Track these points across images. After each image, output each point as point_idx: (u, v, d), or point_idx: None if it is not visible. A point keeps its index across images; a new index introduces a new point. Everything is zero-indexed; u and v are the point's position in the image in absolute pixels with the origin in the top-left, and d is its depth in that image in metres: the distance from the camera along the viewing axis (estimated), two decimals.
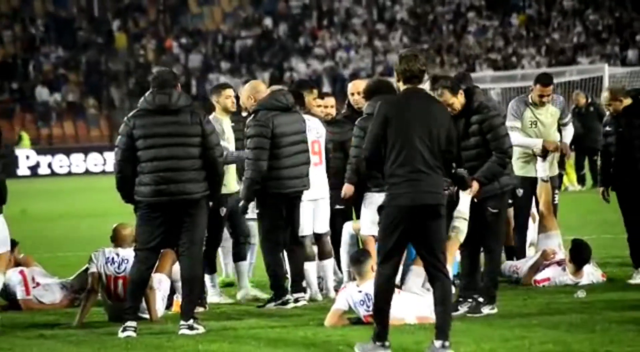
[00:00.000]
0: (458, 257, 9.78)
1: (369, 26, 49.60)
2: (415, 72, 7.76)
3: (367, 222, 10.20)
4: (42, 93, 47.36)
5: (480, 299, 9.33)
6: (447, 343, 7.57)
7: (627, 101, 10.69)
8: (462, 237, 9.52)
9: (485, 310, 9.27)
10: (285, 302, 10.16)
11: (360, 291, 8.96)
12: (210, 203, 9.12)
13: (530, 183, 11.37)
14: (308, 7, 51.27)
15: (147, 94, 9.00)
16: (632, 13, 46.34)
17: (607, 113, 11.13)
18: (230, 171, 10.64)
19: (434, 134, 7.59)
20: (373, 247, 10.10)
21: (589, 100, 23.30)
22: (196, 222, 8.85)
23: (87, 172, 41.23)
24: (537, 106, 11.37)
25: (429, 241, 7.57)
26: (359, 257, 9.18)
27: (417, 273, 9.29)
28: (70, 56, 49.68)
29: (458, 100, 9.37)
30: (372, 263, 9.04)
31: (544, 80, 11.41)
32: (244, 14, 51.25)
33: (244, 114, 11.61)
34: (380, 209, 7.90)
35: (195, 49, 49.85)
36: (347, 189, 10.14)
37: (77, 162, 42.53)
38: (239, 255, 10.92)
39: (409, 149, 7.52)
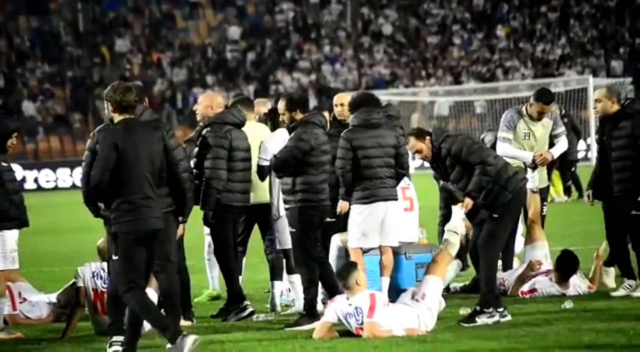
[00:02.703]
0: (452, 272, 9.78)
1: (354, 39, 49.69)
2: (131, 102, 8.41)
3: (354, 235, 10.20)
4: (28, 108, 47.28)
5: (477, 308, 9.33)
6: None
7: (616, 107, 10.53)
8: (453, 251, 9.53)
9: (481, 319, 9.25)
10: (243, 310, 10.30)
11: (350, 305, 8.95)
12: (180, 218, 9.10)
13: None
14: (293, 20, 51.36)
15: None
16: (615, 25, 46.57)
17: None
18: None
19: (156, 162, 8.40)
20: (361, 260, 10.11)
21: (562, 111, 23.38)
22: (165, 239, 8.78)
23: (74, 187, 41.15)
24: (532, 119, 11.36)
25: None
26: (342, 271, 9.16)
27: (431, 281, 9.29)
28: (55, 71, 49.63)
29: (426, 146, 9.59)
30: (358, 276, 9.02)
31: (546, 98, 11.32)
32: (229, 27, 51.30)
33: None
34: (114, 237, 8.34)
35: (181, 63, 49.86)
36: (343, 206, 10.14)
37: (64, 176, 42.47)
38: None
39: (137, 177, 8.20)
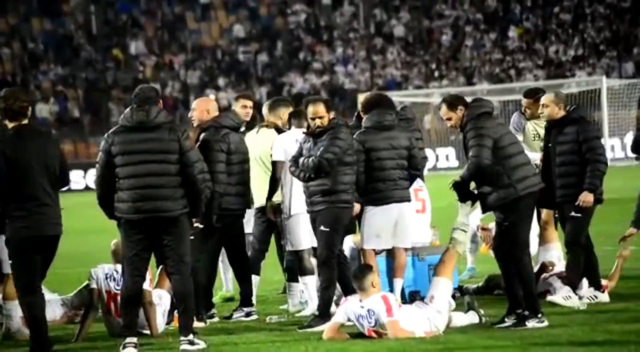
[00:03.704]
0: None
1: (367, 41, 49.68)
2: (16, 109, 8.46)
3: (367, 236, 10.21)
4: (42, 110, 47.43)
5: (525, 313, 9.26)
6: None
7: (562, 113, 10.35)
8: (461, 249, 9.50)
9: (531, 323, 9.20)
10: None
11: (362, 307, 8.94)
12: (194, 220, 9.11)
13: (533, 196, 11.30)
14: (306, 22, 51.38)
15: (127, 110, 9.02)
16: (629, 26, 46.44)
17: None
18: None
19: (52, 168, 8.39)
20: (374, 261, 10.11)
21: None
22: (179, 240, 8.83)
23: (87, 189, 41.24)
24: (537, 119, 11.33)
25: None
26: (358, 273, 9.14)
27: (441, 283, 9.26)
28: (69, 73, 49.76)
29: (456, 116, 9.38)
30: (373, 278, 9.02)
31: (526, 93, 11.40)
32: (242, 29, 51.35)
33: (242, 129, 11.65)
34: (7, 242, 8.36)
35: (194, 65, 49.94)
36: (356, 207, 10.13)
37: (77, 178, 42.57)
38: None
39: (31, 184, 8.21)
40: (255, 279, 10.89)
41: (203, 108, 10.52)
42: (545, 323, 9.17)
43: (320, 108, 9.86)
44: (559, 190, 10.29)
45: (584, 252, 10.44)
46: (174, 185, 8.81)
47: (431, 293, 9.27)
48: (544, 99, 10.39)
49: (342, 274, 9.91)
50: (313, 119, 9.87)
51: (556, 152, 10.26)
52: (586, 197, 10.16)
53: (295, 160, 9.93)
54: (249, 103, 11.57)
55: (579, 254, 10.37)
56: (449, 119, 9.44)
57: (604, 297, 10.40)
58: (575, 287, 10.40)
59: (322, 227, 9.77)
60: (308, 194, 9.87)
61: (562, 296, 10.28)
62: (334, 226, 9.75)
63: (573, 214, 10.12)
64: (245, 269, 10.58)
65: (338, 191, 9.73)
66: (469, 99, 9.63)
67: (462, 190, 9.36)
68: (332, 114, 9.93)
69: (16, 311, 9.80)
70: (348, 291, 9.77)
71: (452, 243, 9.49)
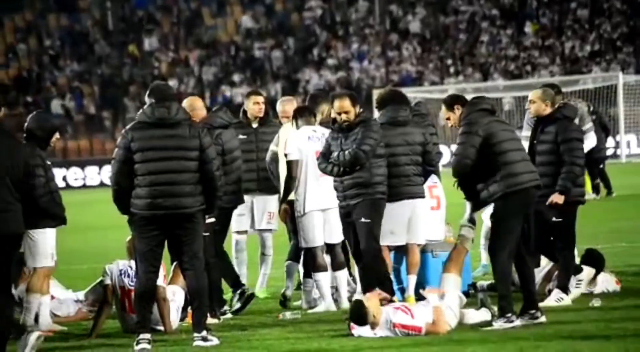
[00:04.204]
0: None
1: (382, 36, 49.62)
2: None
3: (383, 233, 10.19)
4: (58, 106, 47.54)
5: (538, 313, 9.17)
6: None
7: (548, 111, 10.22)
8: (468, 245, 9.46)
9: (498, 323, 9.12)
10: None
11: (375, 334, 8.90)
12: (207, 217, 9.13)
13: None
14: (321, 18, 51.35)
15: (145, 106, 8.99)
16: None
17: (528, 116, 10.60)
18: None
19: (17, 169, 8.26)
20: (389, 258, 10.11)
21: (591, 108, 23.24)
22: (194, 236, 8.85)
23: (102, 185, 41.34)
24: None
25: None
26: (355, 317, 8.96)
27: (451, 280, 9.24)
28: (85, 69, 49.87)
29: (455, 116, 9.36)
30: (372, 312, 8.86)
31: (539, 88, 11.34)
32: (257, 25, 51.37)
33: (255, 125, 11.67)
34: None
35: (209, 61, 49.97)
36: None
37: (92, 175, 42.68)
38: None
39: None
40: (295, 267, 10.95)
41: (190, 109, 10.22)
42: (516, 323, 9.02)
43: (346, 103, 9.83)
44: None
45: (571, 254, 10.36)
46: (193, 182, 8.82)
47: (442, 289, 9.25)
48: (531, 95, 10.29)
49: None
50: (339, 113, 9.84)
51: (536, 151, 10.15)
52: (557, 199, 9.99)
53: (324, 155, 9.86)
54: (261, 99, 11.60)
55: (569, 257, 10.26)
56: (448, 118, 9.45)
57: (568, 300, 10.22)
58: (565, 288, 10.29)
59: (362, 219, 9.73)
60: (342, 188, 9.82)
61: (553, 299, 10.22)
62: (374, 217, 9.74)
63: (554, 219, 9.94)
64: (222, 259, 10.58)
65: (374, 183, 9.75)
66: (481, 95, 9.59)
67: (467, 187, 9.33)
68: (358, 108, 9.87)
69: (37, 305, 9.83)
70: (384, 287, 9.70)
71: (459, 239, 9.47)
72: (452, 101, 9.42)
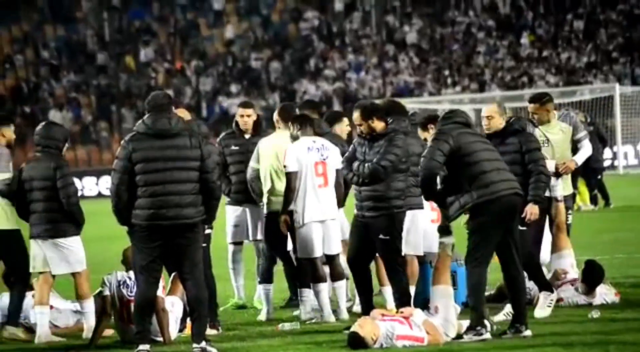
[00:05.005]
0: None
1: (379, 47, 49.70)
2: None
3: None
4: (55, 117, 47.53)
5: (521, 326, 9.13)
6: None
7: (503, 124, 10.14)
8: (449, 250, 9.40)
9: (468, 335, 9.08)
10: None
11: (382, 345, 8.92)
12: (206, 227, 9.12)
13: (544, 202, 11.28)
14: (318, 28, 51.43)
15: (145, 117, 8.98)
16: None
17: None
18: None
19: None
20: (413, 266, 10.13)
21: (588, 119, 23.28)
22: (195, 246, 8.85)
23: (100, 195, 41.31)
24: (545, 125, 11.26)
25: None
26: (353, 345, 8.92)
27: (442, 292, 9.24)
28: (82, 80, 49.88)
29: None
30: (370, 335, 8.85)
31: (531, 98, 11.29)
32: (253, 36, 51.42)
33: (247, 136, 11.67)
34: None
35: (206, 72, 50.01)
36: None
37: (90, 185, 42.67)
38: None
39: None
40: (268, 286, 10.90)
41: None
42: (484, 337, 8.98)
43: (356, 115, 9.79)
44: None
45: (535, 261, 10.29)
46: (195, 192, 8.82)
47: (434, 304, 9.19)
48: (488, 111, 10.16)
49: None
50: (356, 126, 9.87)
51: None
52: (532, 209, 9.96)
53: (348, 161, 9.83)
54: (248, 111, 11.65)
55: (534, 266, 10.21)
56: (425, 139, 9.52)
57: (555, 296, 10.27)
58: (549, 286, 10.31)
59: (381, 236, 9.69)
60: (360, 199, 9.79)
61: (545, 304, 10.19)
62: (393, 232, 9.72)
63: (520, 228, 9.67)
64: None
65: (390, 197, 9.69)
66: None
67: (439, 198, 9.31)
68: (377, 120, 9.72)
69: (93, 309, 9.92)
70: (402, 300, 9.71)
71: (440, 247, 9.41)
72: (427, 121, 9.61)
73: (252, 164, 10.99)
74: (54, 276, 10.26)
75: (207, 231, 9.82)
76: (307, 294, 10.75)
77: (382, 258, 9.85)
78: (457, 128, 9.14)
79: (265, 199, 10.85)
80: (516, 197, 9.15)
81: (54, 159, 10.12)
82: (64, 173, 10.04)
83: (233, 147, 11.47)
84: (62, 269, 10.11)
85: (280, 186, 10.69)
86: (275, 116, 11.19)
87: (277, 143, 10.83)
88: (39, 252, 10.12)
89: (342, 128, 11.38)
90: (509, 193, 9.07)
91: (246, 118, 11.58)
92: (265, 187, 10.83)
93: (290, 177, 10.55)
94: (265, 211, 10.87)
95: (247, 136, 11.67)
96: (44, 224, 10.03)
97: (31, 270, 10.25)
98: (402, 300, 9.68)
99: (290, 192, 10.55)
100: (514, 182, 9.19)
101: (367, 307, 9.77)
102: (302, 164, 10.50)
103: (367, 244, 9.79)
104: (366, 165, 9.64)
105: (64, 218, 9.99)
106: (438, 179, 9.10)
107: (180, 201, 8.77)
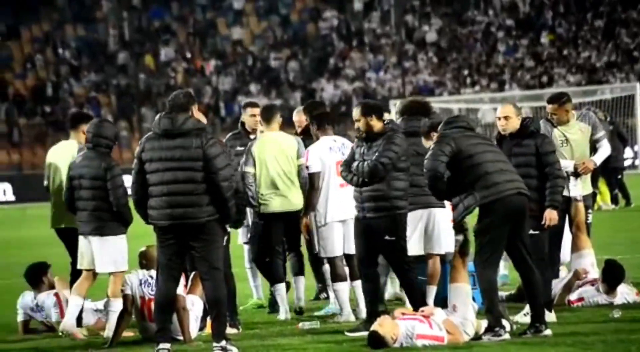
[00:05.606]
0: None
1: (398, 47, 49.64)
2: None
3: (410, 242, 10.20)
4: None
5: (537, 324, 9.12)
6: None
7: (517, 124, 10.02)
8: (467, 249, 9.39)
9: (486, 336, 9.06)
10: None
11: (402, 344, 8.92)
12: (227, 227, 9.08)
13: (563, 202, 11.25)
14: (337, 28, 51.41)
15: (157, 117, 9.05)
16: None
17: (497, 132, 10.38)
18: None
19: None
20: (435, 264, 10.10)
21: (608, 119, 23.15)
22: (209, 247, 8.82)
23: None
24: (564, 125, 11.22)
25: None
26: (373, 345, 8.92)
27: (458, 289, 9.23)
28: (102, 79, 50.03)
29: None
30: (391, 335, 8.83)
31: (550, 99, 11.19)
32: (273, 35, 51.45)
33: (253, 137, 11.57)
34: None
35: (225, 71, 50.07)
36: None
37: None
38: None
39: None
40: (280, 286, 10.90)
41: None
42: (503, 337, 8.96)
43: (356, 112, 9.79)
44: None
45: (551, 265, 10.18)
46: (199, 192, 8.79)
47: (452, 302, 9.17)
48: (504, 111, 10.04)
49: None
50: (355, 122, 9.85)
51: (513, 165, 9.75)
52: (551, 215, 9.82)
53: (347, 164, 9.81)
54: (257, 111, 11.44)
55: (545, 269, 10.02)
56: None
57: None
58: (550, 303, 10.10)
59: (387, 237, 9.62)
60: (361, 200, 9.73)
61: (523, 313, 9.94)
62: (398, 233, 9.66)
63: (531, 231, 9.61)
64: None
65: (392, 196, 9.63)
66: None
67: (446, 197, 9.34)
68: (375, 119, 9.71)
69: (118, 310, 9.92)
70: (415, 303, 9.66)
71: (456, 245, 9.40)
72: (429, 129, 9.62)
73: (246, 168, 10.75)
74: (94, 275, 10.27)
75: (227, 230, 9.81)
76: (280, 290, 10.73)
77: (388, 259, 9.77)
78: (458, 132, 9.15)
79: (267, 200, 10.72)
80: (520, 196, 9.12)
81: (104, 159, 10.09)
82: (114, 174, 9.98)
83: (239, 148, 11.39)
84: (107, 267, 10.10)
85: (284, 187, 10.64)
86: (259, 117, 11.11)
87: (271, 146, 10.71)
88: (86, 249, 10.16)
89: None
90: (512, 193, 9.05)
91: (257, 117, 11.49)
92: (267, 190, 10.71)
93: (314, 177, 10.55)
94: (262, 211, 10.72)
95: (252, 137, 11.60)
96: (92, 222, 10.03)
97: (79, 266, 10.27)
98: (416, 299, 9.65)
99: (314, 193, 10.54)
100: (518, 182, 9.16)
101: (374, 311, 9.62)
102: (325, 164, 10.49)
103: (374, 245, 9.72)
104: (365, 163, 9.61)
105: (112, 217, 9.98)
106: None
107: (185, 201, 8.77)
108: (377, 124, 9.73)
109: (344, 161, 9.90)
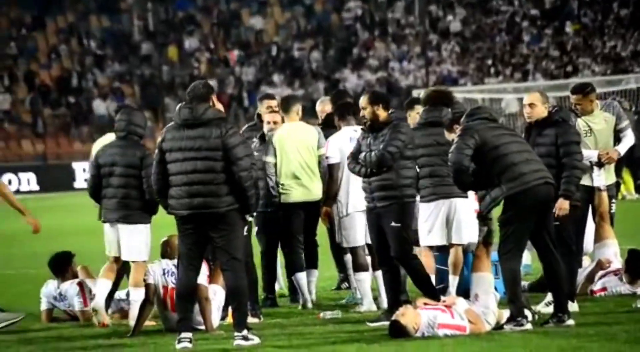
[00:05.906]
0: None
1: (422, 36, 49.53)
2: None
3: (422, 233, 10.19)
4: (99, 106, 47.87)
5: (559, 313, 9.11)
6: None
7: (545, 113, 9.92)
8: (490, 239, 9.37)
9: (508, 326, 9.03)
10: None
11: (423, 333, 8.90)
12: (248, 216, 9.09)
13: (587, 192, 11.21)
14: (361, 18, 51.34)
15: (177, 107, 9.07)
16: None
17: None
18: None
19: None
20: (431, 258, 10.09)
21: (633, 108, 23.01)
22: (229, 237, 8.82)
23: None
24: (587, 115, 11.15)
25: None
26: (394, 335, 8.90)
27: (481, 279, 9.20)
28: (126, 70, 50.18)
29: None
30: (412, 324, 8.85)
31: (573, 89, 11.11)
32: (296, 26, 51.44)
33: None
34: None
35: (249, 62, 50.11)
36: None
37: None
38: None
39: None
40: (300, 275, 10.92)
41: None
42: (526, 327, 8.93)
43: (363, 100, 9.79)
44: None
45: (574, 255, 10.06)
46: (219, 182, 8.80)
47: (474, 291, 9.16)
48: (530, 98, 9.95)
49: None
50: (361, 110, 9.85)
51: None
52: (562, 205, 9.67)
53: (353, 156, 9.82)
54: (274, 103, 11.37)
55: (571, 260, 9.98)
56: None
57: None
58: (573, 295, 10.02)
59: (392, 224, 9.62)
60: (370, 190, 9.73)
61: (544, 302, 9.99)
62: (405, 220, 9.65)
63: (555, 223, 9.48)
64: None
65: (401, 185, 9.63)
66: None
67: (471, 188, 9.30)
68: (381, 108, 9.75)
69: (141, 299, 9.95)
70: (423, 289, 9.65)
71: (480, 235, 9.38)
72: (452, 122, 9.58)
73: (267, 158, 10.80)
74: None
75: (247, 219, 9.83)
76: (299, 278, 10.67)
77: (392, 246, 9.69)
78: (481, 123, 9.10)
79: (288, 190, 10.74)
80: (547, 186, 9.08)
81: (139, 148, 10.14)
82: (148, 163, 9.96)
83: (255, 140, 11.40)
84: (132, 256, 10.15)
85: (306, 177, 10.66)
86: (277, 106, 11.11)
87: (294, 136, 10.73)
88: (113, 237, 10.21)
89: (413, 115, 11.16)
90: (539, 183, 9.02)
91: (274, 109, 11.46)
92: (288, 180, 10.72)
93: (333, 168, 10.56)
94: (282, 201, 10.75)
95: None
96: (120, 209, 10.08)
97: (107, 253, 10.32)
98: (423, 287, 9.61)
99: (333, 184, 10.55)
100: (544, 172, 9.12)
101: (395, 301, 9.63)
102: (344, 154, 10.50)
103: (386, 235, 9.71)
104: (373, 153, 9.61)
105: (139, 205, 10.02)
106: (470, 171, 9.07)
107: (204, 191, 8.78)
108: (382, 114, 9.73)
109: (351, 153, 9.89)
